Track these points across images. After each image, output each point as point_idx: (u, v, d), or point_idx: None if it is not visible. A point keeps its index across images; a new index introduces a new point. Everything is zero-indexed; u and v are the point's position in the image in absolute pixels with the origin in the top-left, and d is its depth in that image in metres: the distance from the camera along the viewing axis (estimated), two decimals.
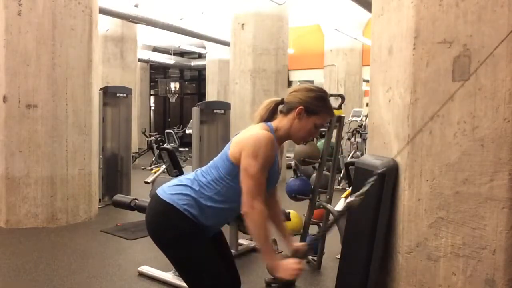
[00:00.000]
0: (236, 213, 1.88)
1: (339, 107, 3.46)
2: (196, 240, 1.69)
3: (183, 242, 1.68)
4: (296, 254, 1.75)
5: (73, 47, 4.70)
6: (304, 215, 3.29)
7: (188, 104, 18.30)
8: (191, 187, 1.72)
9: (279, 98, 1.83)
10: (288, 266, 1.58)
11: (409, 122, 2.01)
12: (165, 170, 5.59)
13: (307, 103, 1.74)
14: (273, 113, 1.81)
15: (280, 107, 1.81)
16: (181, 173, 5.67)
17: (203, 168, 1.79)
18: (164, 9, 11.08)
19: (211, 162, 1.79)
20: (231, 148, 1.70)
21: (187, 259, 1.70)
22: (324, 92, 1.82)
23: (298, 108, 1.73)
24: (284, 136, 1.78)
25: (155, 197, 1.77)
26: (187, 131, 10.29)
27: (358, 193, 1.68)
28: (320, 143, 3.35)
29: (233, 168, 1.67)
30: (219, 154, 1.77)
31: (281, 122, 1.77)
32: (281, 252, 3.13)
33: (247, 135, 1.69)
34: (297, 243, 1.90)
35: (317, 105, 1.75)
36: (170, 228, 1.70)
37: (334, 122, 3.23)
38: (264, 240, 1.60)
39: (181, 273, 1.77)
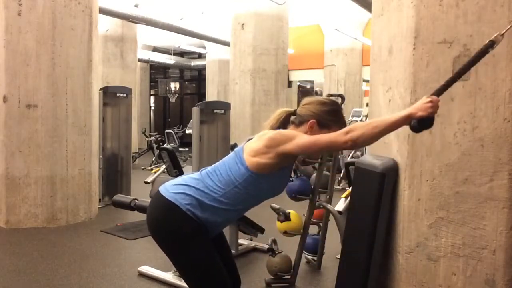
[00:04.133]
0: (239, 215, 1.87)
1: None
2: (197, 240, 1.68)
3: (185, 241, 1.68)
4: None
5: (73, 47, 4.70)
6: (304, 215, 3.29)
7: (188, 104, 18.30)
8: (195, 188, 1.70)
9: (292, 109, 1.82)
10: (421, 106, 1.49)
11: None
12: (165, 170, 5.59)
13: (320, 116, 1.73)
14: (284, 123, 1.80)
15: (292, 118, 1.80)
16: (181, 173, 5.66)
17: (209, 168, 1.77)
18: (164, 9, 11.08)
19: (219, 163, 1.77)
20: (247, 153, 1.68)
21: (188, 259, 1.70)
22: (337, 105, 1.81)
23: (311, 121, 1.72)
24: None
25: (157, 196, 1.75)
26: (187, 131, 10.29)
27: None
28: None
29: (248, 174, 1.66)
30: (230, 157, 1.75)
31: None
32: (281, 252, 3.13)
33: (265, 136, 1.67)
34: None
35: (329, 119, 1.74)
36: (172, 227, 1.69)
37: None
38: (384, 125, 1.51)
39: (181, 273, 1.77)
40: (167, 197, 1.70)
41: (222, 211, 1.70)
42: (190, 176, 1.78)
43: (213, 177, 1.72)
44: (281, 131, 1.70)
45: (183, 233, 1.68)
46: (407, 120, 1.51)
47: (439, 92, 1.55)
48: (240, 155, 1.70)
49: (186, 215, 1.67)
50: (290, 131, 1.70)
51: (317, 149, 1.62)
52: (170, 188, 1.74)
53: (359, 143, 1.54)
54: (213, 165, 1.78)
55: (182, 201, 1.68)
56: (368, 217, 2.17)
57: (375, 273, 2.16)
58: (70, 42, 4.67)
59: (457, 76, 1.56)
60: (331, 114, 1.75)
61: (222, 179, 1.70)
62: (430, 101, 1.49)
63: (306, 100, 1.82)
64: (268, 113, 1.85)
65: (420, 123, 1.50)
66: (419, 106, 1.50)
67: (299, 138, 1.61)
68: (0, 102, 4.56)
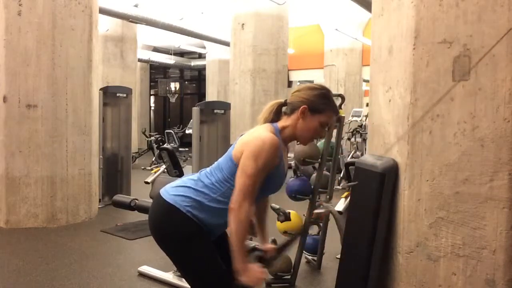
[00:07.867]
0: None
1: (339, 107, 3.46)
2: (198, 241, 1.68)
3: (185, 243, 1.68)
4: (264, 254, 1.79)
5: (73, 47, 4.70)
6: (304, 215, 3.28)
7: (188, 104, 18.30)
8: (194, 189, 1.71)
9: (282, 100, 1.82)
10: (254, 272, 1.60)
11: (409, 122, 2.02)
12: (165, 170, 5.59)
13: (310, 101, 1.72)
14: (277, 115, 1.79)
15: (284, 108, 1.79)
16: (181, 173, 5.67)
17: (207, 169, 1.78)
18: (164, 9, 11.08)
19: (215, 163, 1.78)
20: (235, 149, 1.69)
21: (189, 260, 1.70)
22: (327, 89, 1.80)
23: (302, 107, 1.71)
24: (290, 137, 1.77)
25: (157, 198, 1.76)
26: (187, 131, 10.30)
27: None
28: (320, 143, 3.35)
29: (236, 169, 1.66)
30: (224, 155, 1.76)
31: (285, 122, 1.75)
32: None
33: (252, 136, 1.68)
34: (270, 245, 1.92)
35: (320, 103, 1.73)
36: (173, 229, 1.70)
37: (334, 122, 3.23)
38: (241, 240, 1.60)
39: (183, 274, 1.77)
40: (167, 200, 1.71)
41: (222, 211, 1.70)
42: (189, 178, 1.78)
43: (210, 177, 1.72)
44: (258, 139, 1.64)
45: (184, 234, 1.68)
46: (237, 267, 1.60)
47: (273, 258, 1.76)
48: (230, 152, 1.71)
49: (186, 217, 1.67)
50: (260, 147, 1.61)
51: (238, 181, 1.61)
52: (170, 190, 1.75)
53: (231, 218, 1.60)
54: (211, 165, 1.79)
55: (181, 203, 1.68)
56: (368, 217, 2.17)
57: (375, 273, 2.16)
58: (70, 42, 4.67)
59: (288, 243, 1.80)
60: (321, 98, 1.74)
61: (217, 178, 1.71)
62: (261, 278, 1.59)
63: (295, 88, 1.82)
64: None
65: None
66: (251, 273, 1.59)
67: (250, 167, 1.59)
68: (0, 102, 4.56)
